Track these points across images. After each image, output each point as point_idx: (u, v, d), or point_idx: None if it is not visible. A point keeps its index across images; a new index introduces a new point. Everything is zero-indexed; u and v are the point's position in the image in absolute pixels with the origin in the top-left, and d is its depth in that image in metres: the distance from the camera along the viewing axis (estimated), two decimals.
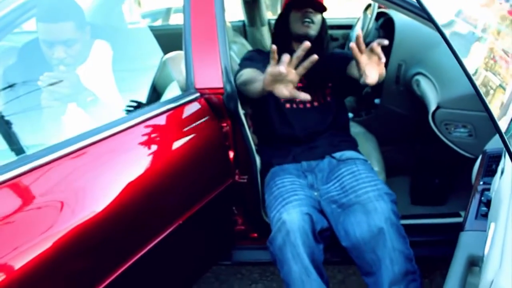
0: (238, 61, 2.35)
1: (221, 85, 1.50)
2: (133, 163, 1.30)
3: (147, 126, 1.36)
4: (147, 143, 1.36)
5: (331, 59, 1.75)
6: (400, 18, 2.17)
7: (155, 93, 1.70)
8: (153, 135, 1.38)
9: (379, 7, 2.53)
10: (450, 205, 2.04)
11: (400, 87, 2.16)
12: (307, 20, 1.72)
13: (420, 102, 1.89)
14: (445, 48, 0.91)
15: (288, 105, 1.72)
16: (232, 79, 1.51)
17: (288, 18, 1.77)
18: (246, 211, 1.72)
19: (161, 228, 1.35)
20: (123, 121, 1.31)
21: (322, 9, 1.76)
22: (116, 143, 1.27)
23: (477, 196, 1.18)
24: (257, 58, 1.72)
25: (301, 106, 1.73)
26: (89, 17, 1.93)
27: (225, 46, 1.51)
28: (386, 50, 1.68)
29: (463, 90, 1.56)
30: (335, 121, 1.75)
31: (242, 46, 2.86)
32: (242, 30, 3.18)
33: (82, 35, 1.51)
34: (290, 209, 1.43)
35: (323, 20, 1.80)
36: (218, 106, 1.52)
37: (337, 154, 1.66)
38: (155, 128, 1.39)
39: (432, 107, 1.68)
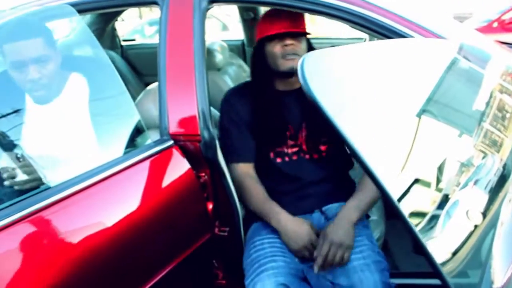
0: (232, 85, 2.19)
1: (197, 132, 1.34)
2: (101, 221, 1.16)
3: (116, 181, 1.21)
4: (115, 199, 1.21)
5: None
6: None
7: (137, 133, 1.53)
8: (122, 190, 1.23)
9: None
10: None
11: None
12: (289, 54, 1.40)
13: None
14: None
15: (279, 159, 1.50)
16: (210, 125, 1.35)
17: (264, 52, 1.46)
18: (228, 265, 1.56)
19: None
20: (89, 176, 1.16)
21: (304, 34, 1.45)
22: (82, 200, 1.13)
23: None
24: (237, 118, 1.49)
25: (294, 157, 1.50)
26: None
27: (203, 88, 1.35)
28: None
29: None
30: (332, 172, 1.53)
31: (239, 68, 2.70)
32: (241, 50, 3.02)
33: (54, 53, 1.36)
34: (265, 279, 1.27)
35: (310, 45, 1.48)
36: (194, 154, 1.36)
37: (327, 208, 1.48)
38: (125, 182, 1.24)
39: None
